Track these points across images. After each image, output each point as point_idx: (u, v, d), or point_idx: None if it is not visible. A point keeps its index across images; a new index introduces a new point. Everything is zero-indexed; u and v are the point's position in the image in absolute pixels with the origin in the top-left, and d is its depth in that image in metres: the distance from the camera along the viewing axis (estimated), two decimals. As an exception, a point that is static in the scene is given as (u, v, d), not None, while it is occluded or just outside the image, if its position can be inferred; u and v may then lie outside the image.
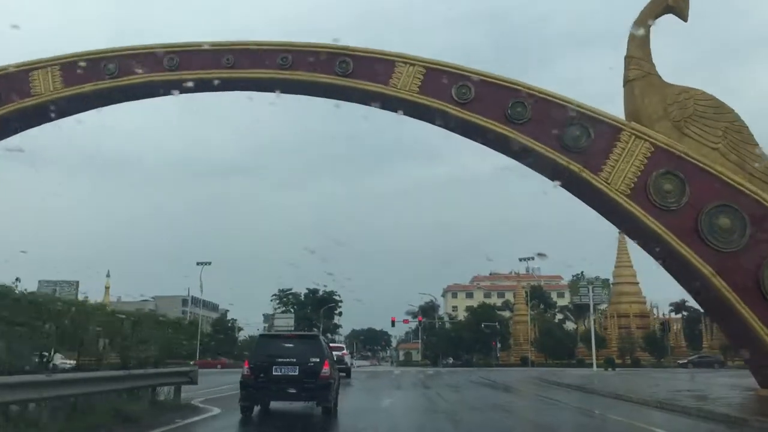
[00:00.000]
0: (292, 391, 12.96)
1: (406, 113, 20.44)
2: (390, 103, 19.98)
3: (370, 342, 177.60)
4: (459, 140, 20.33)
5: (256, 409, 13.85)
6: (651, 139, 18.88)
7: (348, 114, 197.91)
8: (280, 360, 13.19)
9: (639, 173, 18.44)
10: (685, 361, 67.40)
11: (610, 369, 55.06)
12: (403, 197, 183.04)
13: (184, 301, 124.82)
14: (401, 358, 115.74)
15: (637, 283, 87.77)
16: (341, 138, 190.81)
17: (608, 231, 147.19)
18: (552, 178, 19.94)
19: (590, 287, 57.36)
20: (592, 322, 61.83)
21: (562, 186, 19.78)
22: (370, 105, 20.01)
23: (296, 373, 13.01)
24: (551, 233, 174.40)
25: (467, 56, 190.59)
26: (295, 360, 13.19)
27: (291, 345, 13.94)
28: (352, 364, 35.74)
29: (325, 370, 13.20)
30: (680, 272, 19.41)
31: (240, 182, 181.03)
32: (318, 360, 13.28)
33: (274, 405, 14.33)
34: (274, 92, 21.20)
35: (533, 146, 18.71)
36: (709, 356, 67.94)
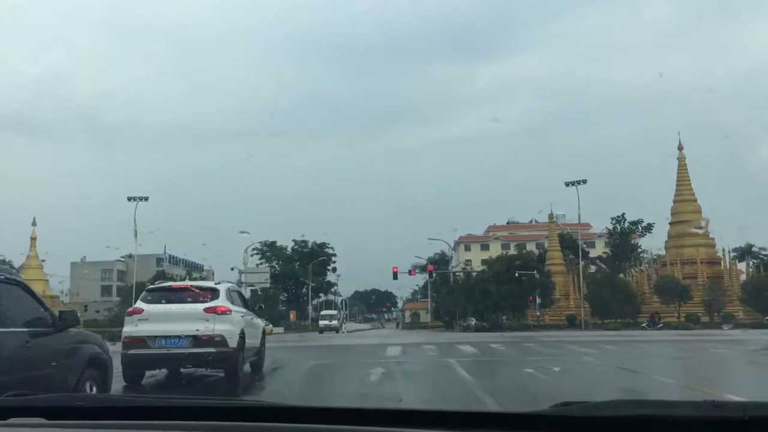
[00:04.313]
0: None
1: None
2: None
3: (376, 304, 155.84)
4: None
5: None
6: None
7: (352, 76, 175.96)
8: None
9: None
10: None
11: None
12: (410, 158, 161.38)
13: (159, 261, 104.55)
14: (408, 319, 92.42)
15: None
16: (345, 101, 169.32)
17: (650, 171, 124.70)
18: None
19: None
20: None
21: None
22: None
23: None
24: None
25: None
26: None
27: None
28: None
29: None
30: None
31: (241, 147, 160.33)
32: None
33: None
34: None
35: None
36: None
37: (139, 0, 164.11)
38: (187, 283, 12.31)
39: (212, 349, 9.95)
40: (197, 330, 9.96)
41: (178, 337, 9.97)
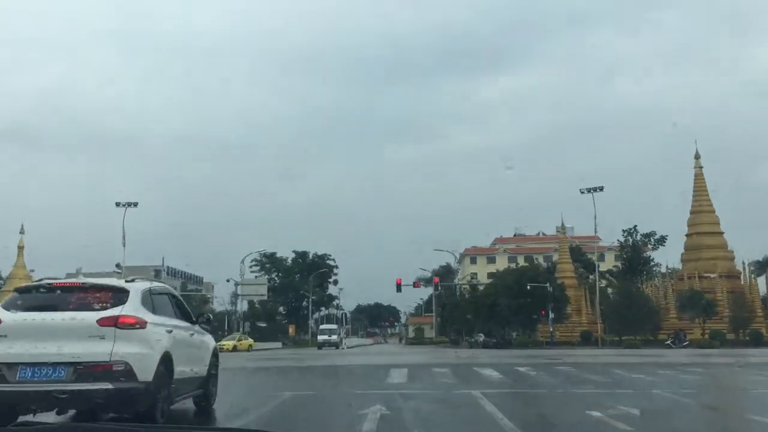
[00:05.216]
0: None
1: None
2: None
3: (379, 318, 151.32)
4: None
5: None
6: None
7: (356, 87, 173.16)
8: None
9: None
10: None
11: None
12: (414, 169, 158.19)
13: (157, 273, 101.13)
14: (411, 334, 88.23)
15: (722, 234, 59.83)
16: (349, 112, 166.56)
17: (657, 183, 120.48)
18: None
19: None
20: None
21: None
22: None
23: None
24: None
25: None
26: None
27: None
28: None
29: None
30: None
31: (243, 158, 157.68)
32: None
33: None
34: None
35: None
36: None
37: (140, 10, 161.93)
38: (79, 280, 8.14)
39: (108, 385, 6.08)
40: (84, 354, 6.13)
41: (54, 364, 6.12)
